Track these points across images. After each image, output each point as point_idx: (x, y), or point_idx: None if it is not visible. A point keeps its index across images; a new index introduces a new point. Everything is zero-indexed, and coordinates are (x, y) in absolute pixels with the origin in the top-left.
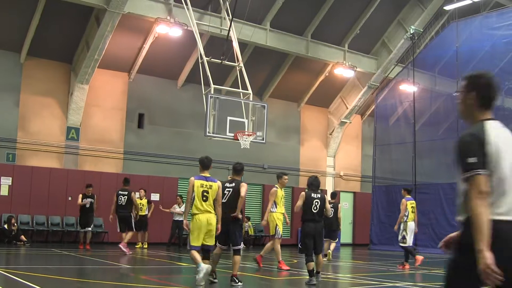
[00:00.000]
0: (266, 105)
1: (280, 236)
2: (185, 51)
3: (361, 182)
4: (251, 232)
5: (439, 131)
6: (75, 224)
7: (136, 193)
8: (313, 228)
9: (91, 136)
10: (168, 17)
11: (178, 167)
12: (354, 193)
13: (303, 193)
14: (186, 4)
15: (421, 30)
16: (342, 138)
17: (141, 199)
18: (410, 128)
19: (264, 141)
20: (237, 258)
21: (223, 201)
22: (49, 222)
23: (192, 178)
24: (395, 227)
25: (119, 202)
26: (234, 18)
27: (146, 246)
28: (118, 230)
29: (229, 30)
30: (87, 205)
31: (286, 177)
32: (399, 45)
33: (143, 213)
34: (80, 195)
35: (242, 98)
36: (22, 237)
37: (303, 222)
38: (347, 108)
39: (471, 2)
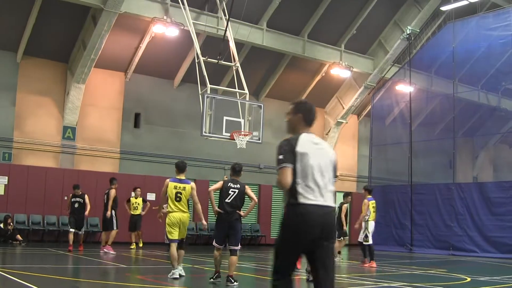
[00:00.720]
0: (262, 105)
1: None
2: (181, 51)
3: (357, 182)
4: None
5: (435, 131)
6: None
7: (132, 192)
8: None
9: (88, 136)
10: (165, 17)
11: (174, 167)
12: (350, 193)
13: None
14: (183, 4)
15: (418, 30)
16: (339, 138)
17: (136, 198)
18: (407, 128)
19: (260, 141)
20: (234, 258)
21: (227, 200)
22: (45, 221)
23: (167, 180)
24: (356, 226)
25: (105, 202)
26: (230, 18)
27: (141, 244)
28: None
29: (225, 30)
30: (76, 205)
31: None
32: (395, 46)
33: (138, 213)
34: (70, 195)
35: (238, 98)
36: (18, 236)
37: None
38: (344, 108)
39: (467, 2)
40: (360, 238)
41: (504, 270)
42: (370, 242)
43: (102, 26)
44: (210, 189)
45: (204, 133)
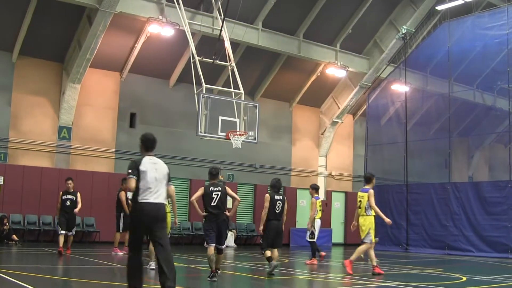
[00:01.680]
0: (258, 104)
1: (370, 241)
2: (177, 50)
3: (352, 182)
4: None
5: (430, 131)
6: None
7: None
8: (276, 225)
9: (83, 136)
10: (160, 17)
11: (169, 167)
12: (346, 193)
13: (267, 195)
14: (178, 4)
15: (413, 30)
16: (334, 138)
17: None
18: (402, 128)
19: (256, 141)
20: (221, 256)
21: (212, 204)
22: (41, 221)
23: None
24: (309, 226)
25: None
26: (226, 18)
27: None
28: None
29: (221, 30)
30: (68, 203)
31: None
32: (391, 45)
33: None
34: (61, 193)
35: (234, 97)
36: (14, 236)
37: (267, 221)
38: (339, 108)
39: (463, 2)
40: (307, 236)
41: (499, 269)
42: (315, 240)
43: (98, 26)
44: (192, 199)
45: (199, 133)
